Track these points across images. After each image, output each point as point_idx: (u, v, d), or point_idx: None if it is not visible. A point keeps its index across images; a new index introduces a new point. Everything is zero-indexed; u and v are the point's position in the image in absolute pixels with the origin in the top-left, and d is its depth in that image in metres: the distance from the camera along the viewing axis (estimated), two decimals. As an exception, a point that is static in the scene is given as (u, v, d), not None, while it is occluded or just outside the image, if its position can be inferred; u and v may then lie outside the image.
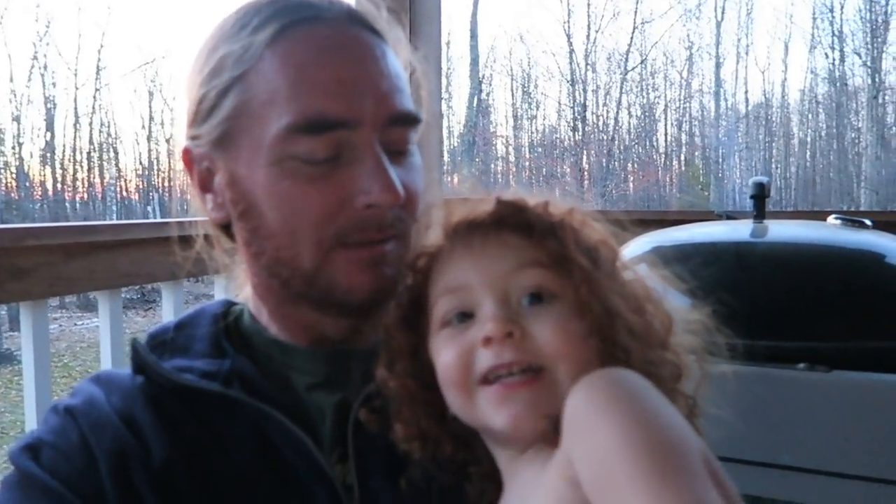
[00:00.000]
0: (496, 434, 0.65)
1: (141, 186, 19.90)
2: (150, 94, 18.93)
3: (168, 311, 1.80)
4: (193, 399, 0.74)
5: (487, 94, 21.27)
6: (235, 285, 0.90)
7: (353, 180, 0.71)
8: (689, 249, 1.49)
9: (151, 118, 19.08)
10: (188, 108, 0.77)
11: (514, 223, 0.67)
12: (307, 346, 0.79)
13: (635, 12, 20.56)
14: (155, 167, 19.80)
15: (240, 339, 0.81)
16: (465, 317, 0.66)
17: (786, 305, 1.36)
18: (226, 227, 0.81)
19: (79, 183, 17.98)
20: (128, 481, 0.69)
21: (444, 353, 0.66)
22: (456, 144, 20.19)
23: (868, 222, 1.63)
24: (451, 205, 0.71)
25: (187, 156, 0.78)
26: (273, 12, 0.74)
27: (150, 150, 19.48)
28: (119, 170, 19.07)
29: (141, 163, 19.55)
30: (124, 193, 19.42)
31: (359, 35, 0.74)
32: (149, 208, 19.87)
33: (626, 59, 20.83)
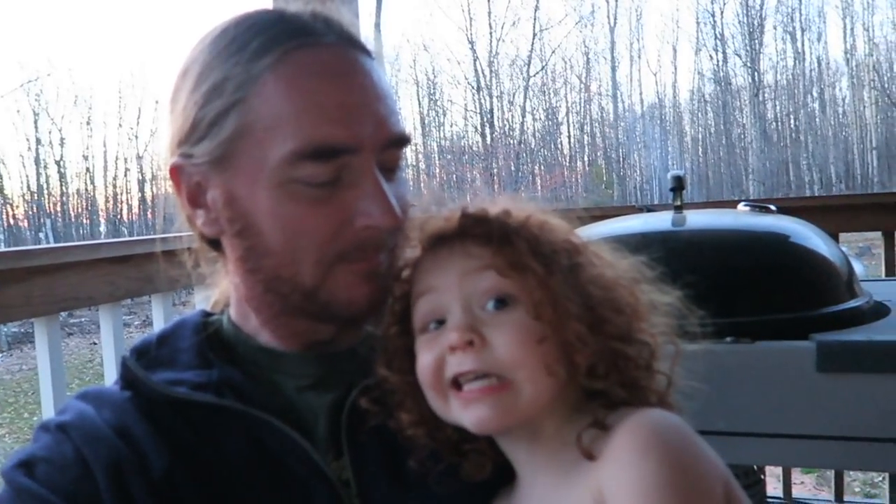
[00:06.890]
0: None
1: (31, 212, 18.71)
2: (36, 114, 17.84)
3: (107, 334, 1.75)
4: (186, 411, 0.74)
5: (394, 103, 21.27)
6: (203, 297, 0.90)
7: (353, 203, 0.74)
8: (621, 240, 1.59)
9: (38, 140, 17.96)
10: (178, 126, 0.77)
11: (477, 234, 0.74)
12: (297, 351, 0.81)
13: (534, 19, 21.22)
14: (45, 191, 18.65)
15: (222, 348, 0.82)
16: (440, 323, 0.73)
17: (710, 286, 1.48)
18: (211, 241, 0.81)
19: (-40, 211, 16.72)
20: (126, 492, 0.68)
21: (421, 358, 0.73)
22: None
23: (773, 208, 1.80)
24: (427, 219, 0.77)
25: (175, 172, 0.78)
26: (274, 36, 0.74)
27: (38, 174, 18.34)
28: (5, 195, 17.87)
29: (29, 188, 18.38)
30: (11, 221, 18.19)
31: (357, 59, 0.77)
32: (40, 234, 18.65)
33: (529, 65, 21.44)
